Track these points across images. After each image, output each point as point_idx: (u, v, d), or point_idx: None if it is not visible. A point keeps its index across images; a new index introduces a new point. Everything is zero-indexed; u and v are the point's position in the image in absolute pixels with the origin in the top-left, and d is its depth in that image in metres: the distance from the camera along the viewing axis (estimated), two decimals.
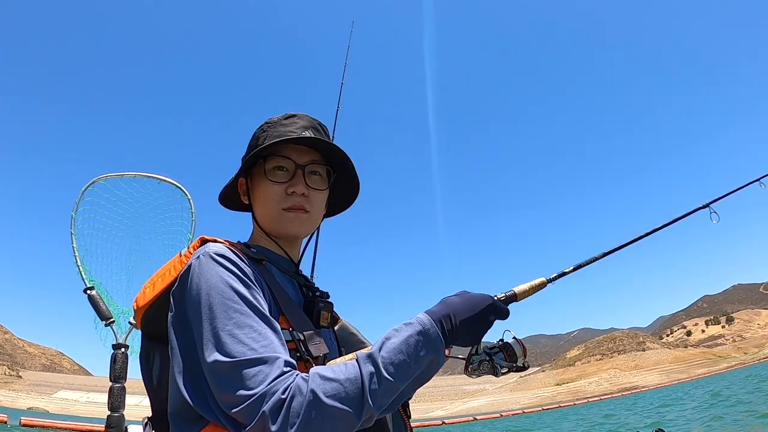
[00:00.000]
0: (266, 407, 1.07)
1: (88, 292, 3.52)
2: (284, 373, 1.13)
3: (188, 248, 1.43)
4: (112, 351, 3.27)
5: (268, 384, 1.10)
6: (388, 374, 1.15)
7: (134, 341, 3.37)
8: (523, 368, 1.46)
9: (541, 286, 1.50)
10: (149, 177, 3.95)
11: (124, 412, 3.26)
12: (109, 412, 3.11)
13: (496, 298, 1.38)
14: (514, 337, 1.45)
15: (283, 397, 1.08)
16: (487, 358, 1.42)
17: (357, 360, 1.18)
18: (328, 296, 1.59)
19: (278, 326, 1.26)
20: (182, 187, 3.95)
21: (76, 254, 3.69)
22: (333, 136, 1.62)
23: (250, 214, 1.60)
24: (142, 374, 1.55)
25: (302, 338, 1.31)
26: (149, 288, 1.45)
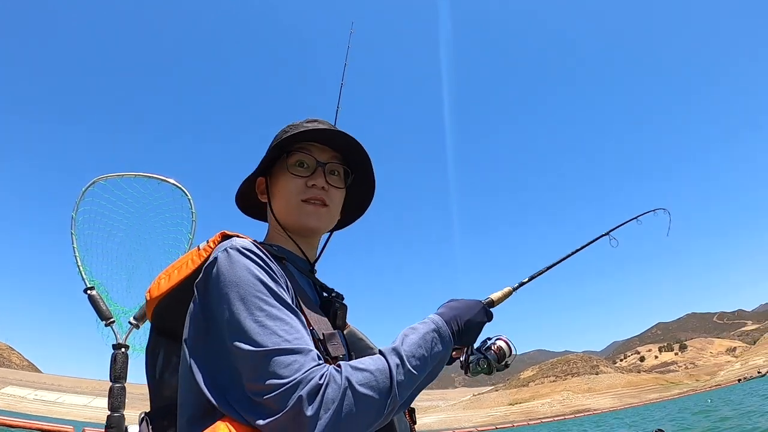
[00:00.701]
0: (303, 391, 1.08)
1: (89, 292, 3.51)
2: (318, 363, 1.15)
3: (207, 242, 1.43)
4: (113, 351, 3.24)
5: (304, 372, 1.11)
6: (411, 366, 1.24)
7: (134, 341, 3.38)
8: (507, 366, 1.77)
9: (509, 293, 1.72)
10: (149, 177, 3.91)
11: (124, 412, 3.24)
12: (109, 413, 3.08)
13: (483, 302, 1.57)
14: (503, 338, 1.77)
15: (320, 382, 1.10)
16: (483, 357, 1.72)
17: (382, 353, 1.25)
18: (343, 298, 1.62)
19: (305, 320, 1.30)
20: (183, 188, 3.90)
21: (77, 254, 3.67)
22: None
23: (265, 215, 1.69)
24: (147, 369, 1.55)
25: (321, 338, 1.33)
26: (165, 279, 1.45)
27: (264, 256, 1.32)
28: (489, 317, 1.54)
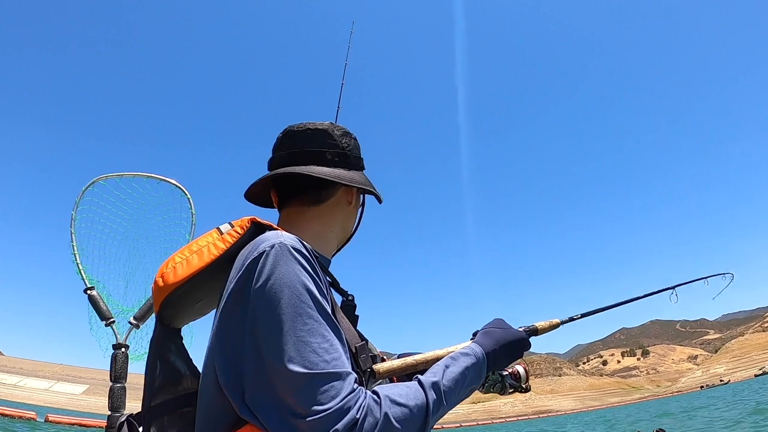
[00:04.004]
0: (340, 426, 1.05)
1: (89, 292, 3.40)
2: (354, 390, 1.11)
3: (233, 226, 1.34)
4: (113, 351, 3.15)
5: (342, 401, 1.08)
6: (446, 402, 1.24)
7: (134, 341, 3.30)
8: (527, 390, 1.78)
9: (555, 326, 1.69)
10: (149, 177, 3.81)
11: (125, 412, 3.01)
12: (109, 413, 2.96)
13: (523, 330, 1.56)
14: (522, 363, 1.77)
15: (357, 416, 1.07)
16: (500, 379, 1.73)
17: (422, 385, 1.22)
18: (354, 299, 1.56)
19: (344, 336, 1.23)
20: (182, 187, 3.80)
21: (76, 254, 3.56)
22: None
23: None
24: (148, 363, 1.39)
25: (354, 351, 1.29)
26: (182, 265, 1.30)
27: (311, 259, 1.24)
28: (527, 347, 1.53)
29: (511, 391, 1.75)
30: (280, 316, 1.13)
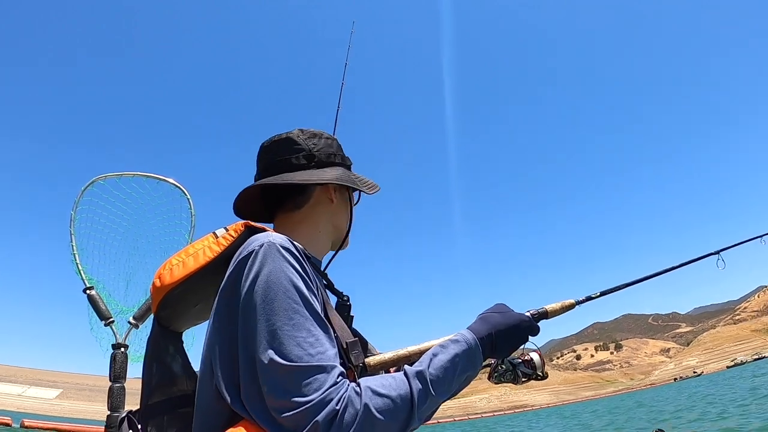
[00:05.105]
0: (320, 417, 1.06)
1: (88, 292, 3.48)
2: (337, 383, 1.13)
3: (227, 230, 1.39)
4: (112, 351, 3.24)
5: (323, 393, 1.09)
6: (434, 391, 1.20)
7: (134, 341, 3.37)
8: (543, 377, 1.62)
9: (570, 307, 1.60)
10: (148, 177, 3.87)
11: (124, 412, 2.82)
12: (109, 412, 3.04)
13: (529, 314, 1.48)
14: (536, 350, 1.61)
15: (336, 408, 1.08)
16: (511, 368, 1.61)
17: (406, 375, 1.21)
18: (349, 300, 1.58)
19: (332, 332, 1.25)
20: (182, 187, 3.87)
21: (76, 253, 3.63)
22: (335, 135, 1.71)
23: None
24: (145, 363, 1.45)
25: (345, 346, 1.29)
26: (178, 266, 1.37)
27: (300, 257, 1.28)
28: (534, 332, 1.46)
29: (524, 380, 1.61)
30: (266, 312, 1.16)
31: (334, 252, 1.63)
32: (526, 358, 1.61)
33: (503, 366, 1.61)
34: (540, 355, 1.61)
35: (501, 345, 1.37)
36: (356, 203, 1.65)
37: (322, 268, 1.57)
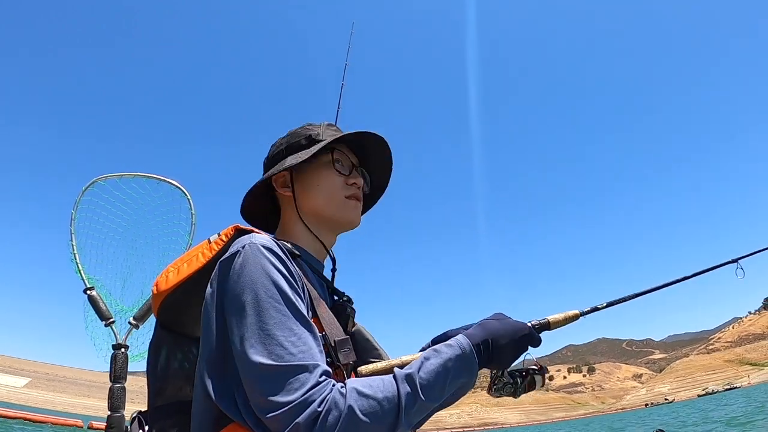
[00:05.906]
0: (301, 419, 1.05)
1: (88, 292, 3.47)
2: (320, 383, 1.11)
3: (219, 235, 1.42)
4: (112, 351, 3.22)
5: (304, 393, 1.08)
6: (423, 396, 1.17)
7: (134, 341, 3.37)
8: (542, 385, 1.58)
9: (573, 318, 1.52)
10: (149, 177, 3.89)
11: (124, 412, 3.15)
12: (109, 413, 3.02)
13: (530, 325, 1.41)
14: (536, 363, 1.50)
15: (318, 409, 1.07)
16: (511, 381, 1.49)
17: (395, 378, 1.19)
18: (353, 302, 1.58)
19: (317, 330, 1.25)
20: (182, 188, 3.86)
21: (76, 253, 3.64)
22: None
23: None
24: (148, 366, 1.49)
25: (333, 344, 1.28)
26: (173, 272, 1.42)
27: (283, 256, 1.28)
28: (535, 343, 1.39)
29: (523, 393, 1.51)
30: (248, 311, 1.17)
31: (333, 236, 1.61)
32: (529, 368, 1.49)
33: (503, 378, 1.48)
34: (542, 368, 1.49)
35: (498, 353, 1.31)
36: (335, 165, 1.56)
37: (333, 267, 1.60)
